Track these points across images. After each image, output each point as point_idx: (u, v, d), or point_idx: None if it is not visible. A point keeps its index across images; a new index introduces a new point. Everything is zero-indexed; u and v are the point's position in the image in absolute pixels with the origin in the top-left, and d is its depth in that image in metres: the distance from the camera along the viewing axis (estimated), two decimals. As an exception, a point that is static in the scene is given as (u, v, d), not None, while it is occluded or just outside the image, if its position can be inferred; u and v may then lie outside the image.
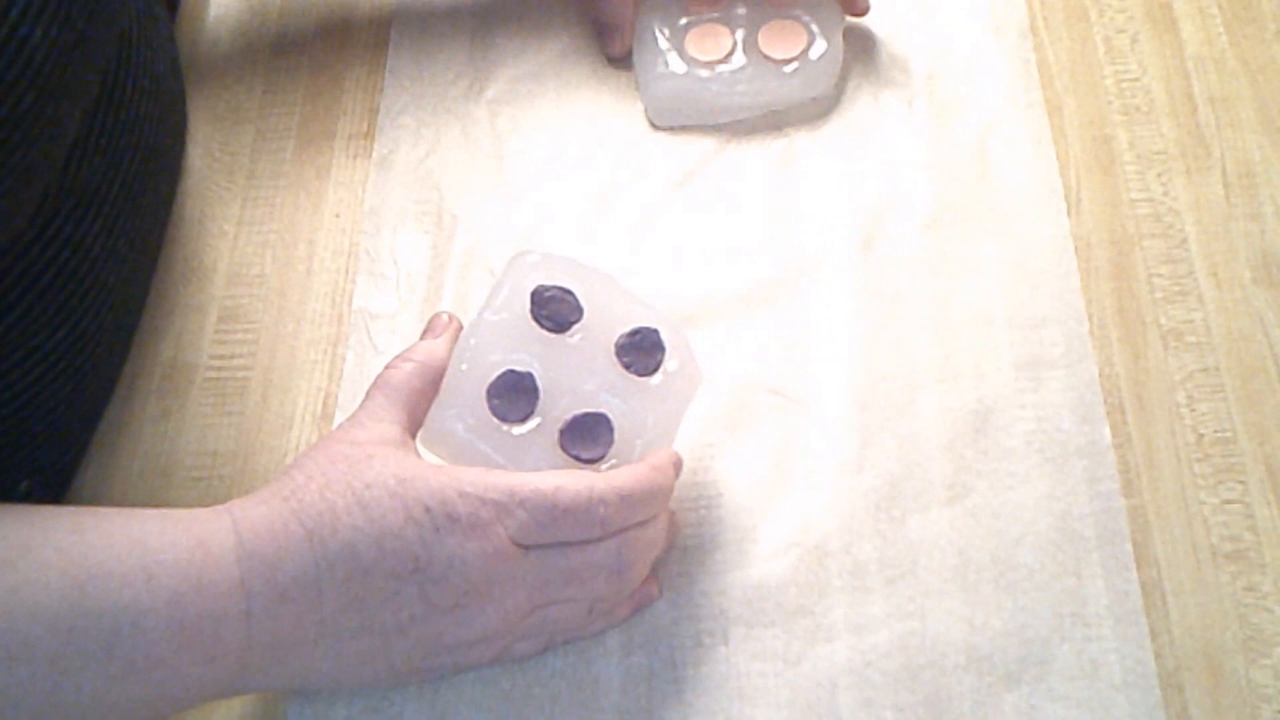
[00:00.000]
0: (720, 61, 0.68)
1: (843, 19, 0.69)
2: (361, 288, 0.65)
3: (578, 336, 0.54)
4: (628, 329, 0.54)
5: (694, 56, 0.68)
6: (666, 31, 0.69)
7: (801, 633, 0.55)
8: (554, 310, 0.54)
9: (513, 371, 0.53)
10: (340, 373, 0.63)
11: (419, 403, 0.53)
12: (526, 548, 0.50)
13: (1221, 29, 0.70)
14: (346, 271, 0.66)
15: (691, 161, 0.68)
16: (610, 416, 0.53)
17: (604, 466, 0.53)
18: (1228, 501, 0.57)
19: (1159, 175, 0.66)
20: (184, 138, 0.70)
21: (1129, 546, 0.56)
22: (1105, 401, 0.59)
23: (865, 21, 0.71)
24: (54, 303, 0.55)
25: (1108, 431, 0.58)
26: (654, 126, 0.69)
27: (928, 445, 0.59)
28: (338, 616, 0.48)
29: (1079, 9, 0.71)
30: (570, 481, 0.50)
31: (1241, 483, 0.57)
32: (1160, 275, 0.63)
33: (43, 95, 0.47)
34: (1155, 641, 0.54)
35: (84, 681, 0.45)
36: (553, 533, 0.50)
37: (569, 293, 0.54)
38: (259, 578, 0.47)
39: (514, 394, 0.53)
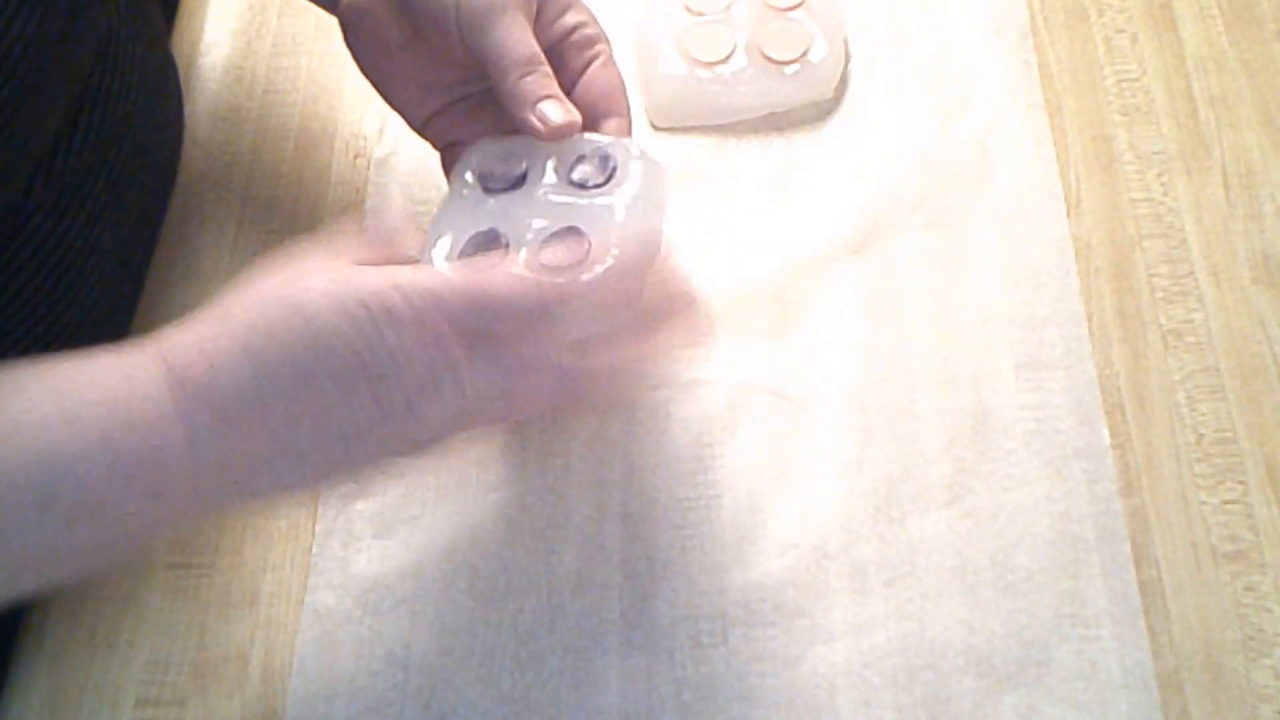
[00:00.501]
0: (721, 62, 0.68)
1: (844, 21, 0.69)
2: (361, 288, 0.65)
3: (531, 187, 0.53)
4: (573, 156, 0.53)
5: (695, 57, 0.68)
6: (668, 32, 0.69)
7: (800, 634, 0.55)
8: (500, 171, 0.54)
9: (477, 233, 0.52)
10: (340, 373, 0.62)
11: (366, 252, 0.50)
12: (471, 345, 0.47)
13: (1221, 29, 0.70)
14: (346, 272, 0.66)
15: (691, 161, 0.68)
16: (579, 225, 0.51)
17: (591, 271, 0.50)
18: (1228, 501, 0.57)
19: (1159, 175, 0.65)
20: (179, 134, 0.69)
21: (1128, 548, 0.56)
22: (1105, 401, 0.59)
23: (866, 23, 0.71)
24: (34, 296, 0.55)
25: (1106, 433, 0.58)
26: (654, 127, 0.69)
27: (927, 446, 0.59)
28: (291, 430, 0.46)
29: (1079, 9, 0.71)
30: (507, 278, 0.48)
31: (1241, 483, 0.57)
32: (1160, 275, 0.63)
33: (20, 90, 0.47)
34: (1155, 641, 0.54)
35: (26, 535, 0.43)
36: (493, 325, 0.48)
37: (510, 151, 0.54)
38: (195, 402, 0.44)
39: (484, 251, 0.51)
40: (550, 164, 0.54)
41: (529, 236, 0.51)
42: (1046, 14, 0.71)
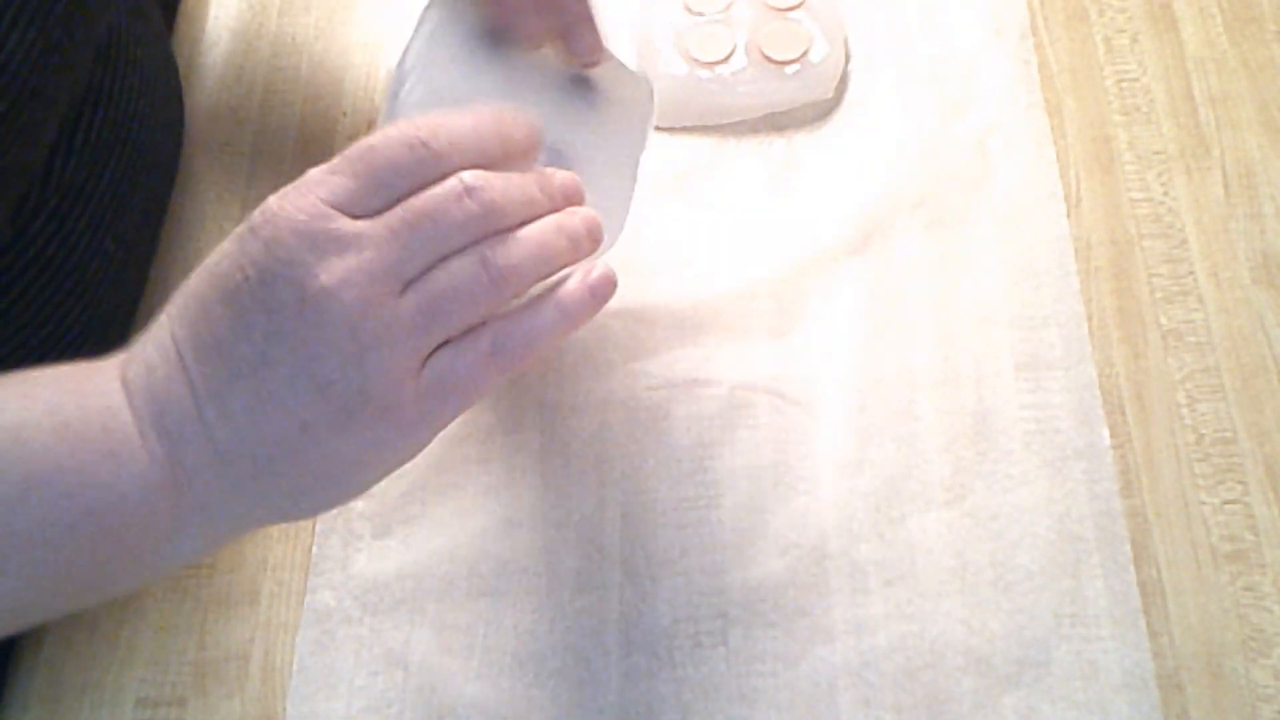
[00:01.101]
0: (721, 63, 0.68)
1: (844, 21, 0.69)
2: (361, 288, 0.65)
3: (515, 62, 0.51)
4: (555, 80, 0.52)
5: (694, 57, 0.68)
6: (668, 32, 0.69)
7: (800, 634, 0.55)
8: (488, 25, 0.53)
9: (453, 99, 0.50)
10: (340, 373, 0.62)
11: None
12: (363, 216, 0.43)
13: (1221, 29, 0.70)
14: (346, 272, 0.66)
15: (691, 162, 0.68)
16: (561, 146, 0.49)
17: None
18: (1228, 501, 0.57)
19: (1159, 175, 0.65)
20: (179, 134, 0.69)
21: (1128, 548, 0.56)
22: (1105, 401, 0.59)
23: (866, 23, 0.71)
24: (36, 300, 0.55)
25: (1106, 433, 0.58)
26: (654, 127, 0.69)
27: (927, 447, 0.59)
28: (214, 382, 0.42)
29: (1079, 9, 0.71)
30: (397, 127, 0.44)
31: (1241, 483, 0.57)
32: (1160, 275, 0.63)
33: (17, 102, 0.47)
34: (1155, 641, 0.54)
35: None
36: (377, 178, 0.43)
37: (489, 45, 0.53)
38: (137, 390, 0.42)
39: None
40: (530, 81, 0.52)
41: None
42: (1046, 14, 0.71)
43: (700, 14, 0.69)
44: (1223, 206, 0.64)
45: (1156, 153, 0.66)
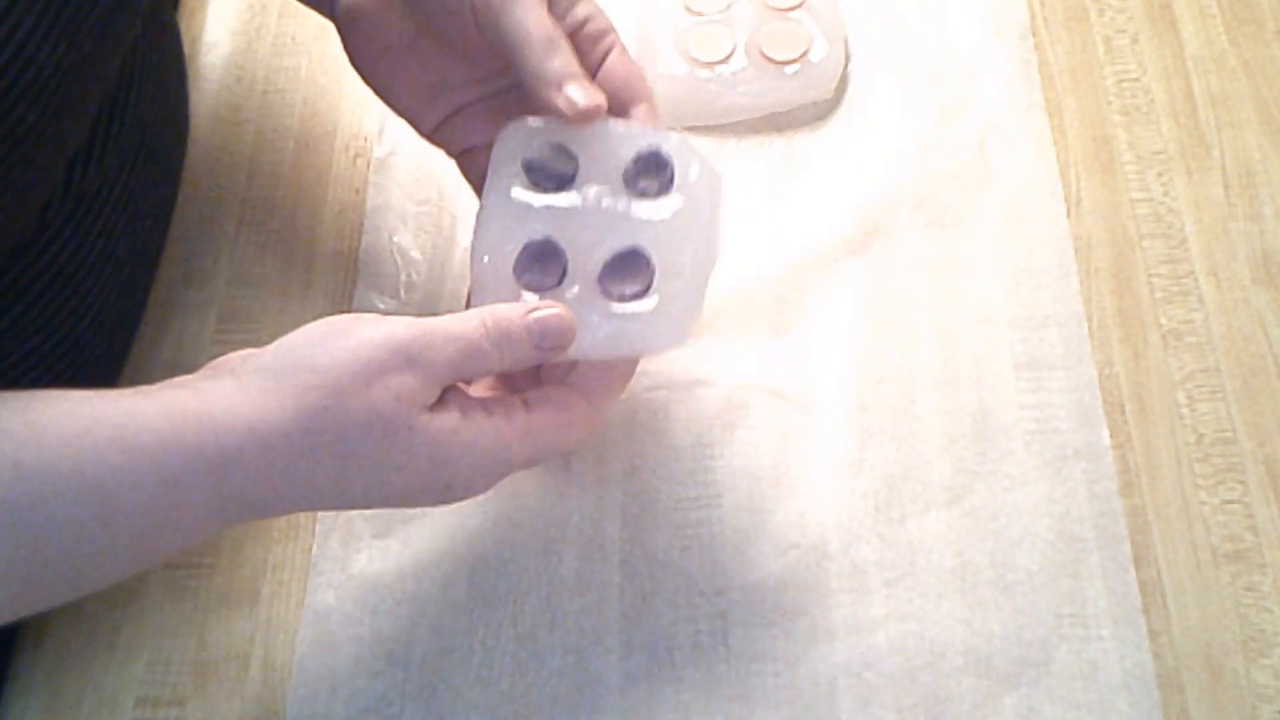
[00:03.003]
0: (721, 62, 0.68)
1: (844, 21, 0.69)
2: (361, 288, 0.65)
3: (584, 186, 0.53)
4: (630, 158, 0.53)
5: (694, 57, 0.68)
6: (668, 32, 0.69)
7: (800, 634, 0.55)
8: (550, 170, 0.53)
9: (532, 242, 0.52)
10: (340, 373, 0.62)
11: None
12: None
13: (1221, 29, 0.70)
14: (346, 271, 0.66)
15: (691, 162, 0.68)
16: (642, 246, 0.51)
17: (652, 297, 0.51)
18: (1228, 501, 0.57)
19: (1159, 175, 0.65)
20: (185, 140, 0.70)
21: (1128, 548, 0.56)
22: (1105, 401, 0.59)
23: (866, 23, 0.71)
24: (51, 307, 0.55)
25: (1106, 433, 0.58)
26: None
27: (927, 447, 0.59)
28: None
29: (1079, 9, 0.71)
30: (571, 420, 0.51)
31: (1241, 483, 0.57)
32: (1160, 275, 0.63)
33: (46, 114, 0.47)
34: (1155, 641, 0.54)
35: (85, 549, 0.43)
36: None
37: (559, 147, 0.53)
38: (239, 507, 0.46)
39: (541, 263, 0.52)
40: (603, 160, 0.53)
41: (588, 253, 0.52)
42: (1046, 14, 0.71)
43: (700, 14, 0.70)
44: (1223, 206, 0.64)
45: (1156, 153, 0.66)
